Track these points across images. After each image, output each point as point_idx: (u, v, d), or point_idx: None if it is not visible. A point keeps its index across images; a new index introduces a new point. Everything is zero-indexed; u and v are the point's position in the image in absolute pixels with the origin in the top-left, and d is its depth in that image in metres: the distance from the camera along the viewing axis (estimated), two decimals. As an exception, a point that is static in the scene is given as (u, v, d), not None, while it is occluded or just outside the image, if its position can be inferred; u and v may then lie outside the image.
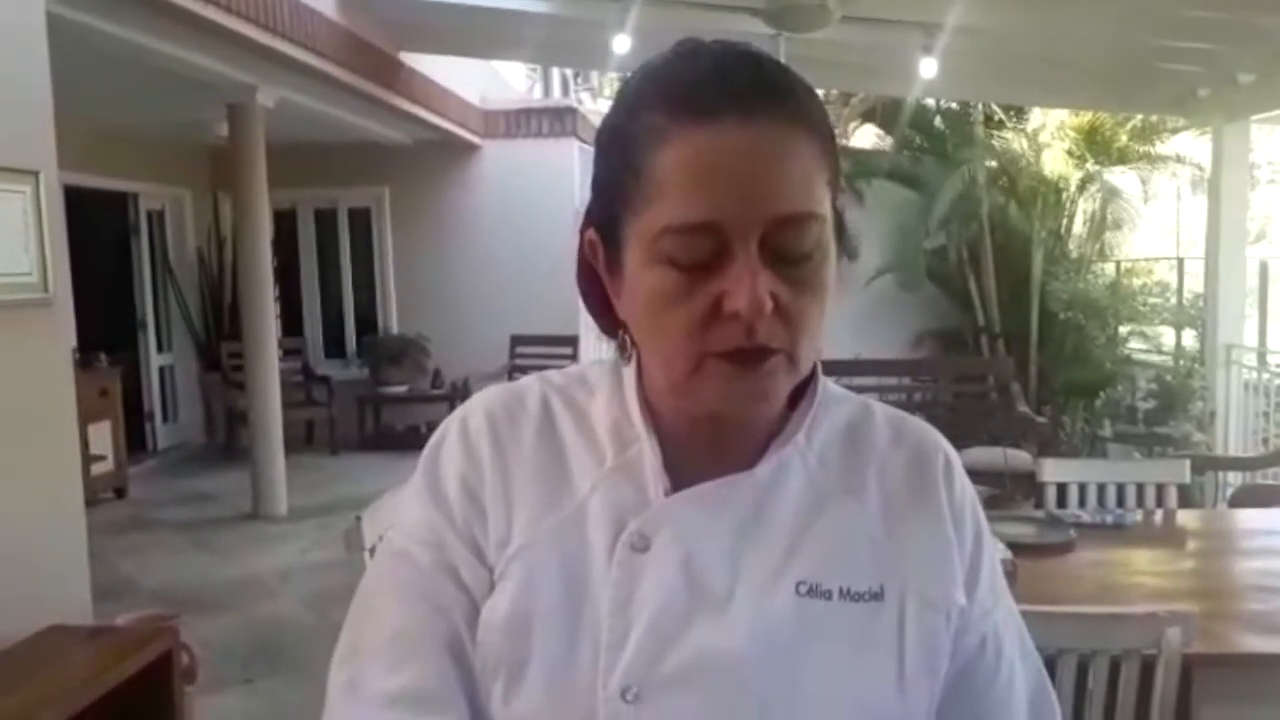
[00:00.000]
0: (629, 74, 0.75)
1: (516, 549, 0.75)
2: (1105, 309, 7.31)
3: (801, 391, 0.77)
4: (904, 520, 0.78)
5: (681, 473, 0.76)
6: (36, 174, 3.13)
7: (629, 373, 0.79)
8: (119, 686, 2.75)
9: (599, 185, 0.75)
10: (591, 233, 0.76)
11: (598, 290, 0.77)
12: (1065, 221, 7.96)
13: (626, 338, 0.77)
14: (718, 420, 0.74)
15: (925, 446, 0.82)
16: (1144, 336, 7.68)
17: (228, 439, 8.00)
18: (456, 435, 0.80)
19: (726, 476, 0.75)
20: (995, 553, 0.83)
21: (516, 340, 8.25)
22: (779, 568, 0.74)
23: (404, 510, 0.80)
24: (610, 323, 0.78)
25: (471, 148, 8.46)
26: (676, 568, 0.73)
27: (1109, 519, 2.71)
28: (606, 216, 0.73)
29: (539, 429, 0.79)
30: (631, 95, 0.72)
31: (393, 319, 8.73)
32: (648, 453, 0.76)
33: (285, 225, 8.42)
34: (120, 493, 6.57)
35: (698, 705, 0.71)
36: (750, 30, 4.12)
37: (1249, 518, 3.07)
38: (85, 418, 5.57)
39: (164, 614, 3.43)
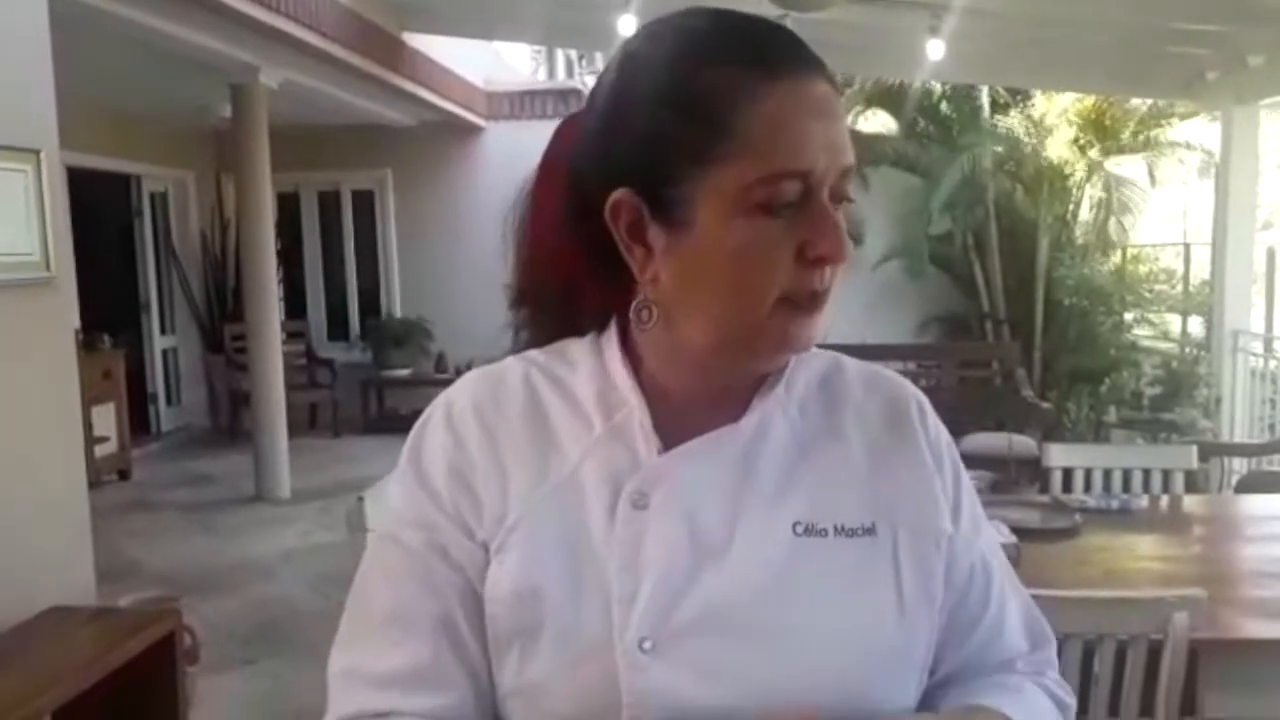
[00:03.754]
0: (657, 37, 0.76)
1: (514, 521, 0.76)
2: (1111, 295, 7.28)
3: None
4: (887, 460, 0.81)
5: (668, 435, 0.78)
6: (38, 153, 3.11)
7: (610, 343, 0.81)
8: (122, 667, 2.76)
9: (641, 146, 0.74)
10: (624, 194, 0.74)
11: (584, 268, 0.79)
12: (1071, 207, 7.92)
13: (650, 303, 0.77)
14: (716, 379, 0.78)
15: (897, 392, 0.86)
16: (1149, 323, 7.64)
17: (231, 421, 8.00)
18: (441, 419, 0.82)
19: (714, 431, 0.78)
20: (973, 487, 0.87)
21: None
22: (774, 511, 0.77)
23: (391, 496, 0.82)
24: (601, 297, 0.80)
25: (475, 129, 8.43)
26: (679, 521, 0.75)
27: (1114, 504, 2.70)
28: (655, 176, 0.73)
29: (524, 404, 0.81)
30: (693, 53, 0.73)
31: (396, 302, 8.72)
32: (637, 415, 0.78)
33: (288, 207, 8.40)
34: (124, 474, 6.58)
35: (712, 649, 0.73)
36: (758, 10, 4.08)
37: (1255, 504, 3.06)
38: (89, 400, 5.59)
39: (166, 595, 3.43)
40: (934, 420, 0.86)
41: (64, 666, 2.68)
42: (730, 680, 0.72)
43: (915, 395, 0.87)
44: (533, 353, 0.85)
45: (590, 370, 0.81)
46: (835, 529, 0.77)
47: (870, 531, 0.77)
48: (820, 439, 0.81)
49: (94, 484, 5.70)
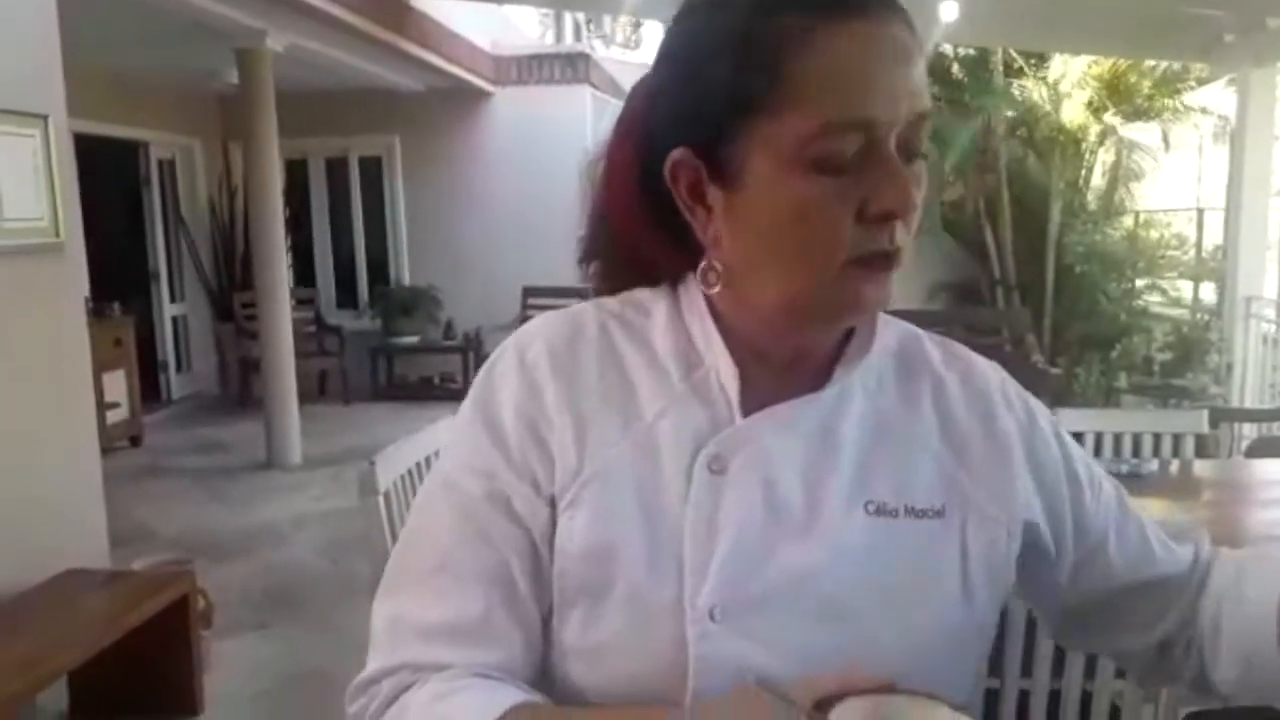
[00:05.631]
0: None
1: (589, 475, 0.74)
2: (1122, 261, 7.24)
3: None
4: (963, 440, 0.79)
5: (744, 398, 0.75)
6: (45, 118, 3.11)
7: (692, 297, 0.78)
8: (136, 630, 2.79)
9: (694, 100, 0.71)
10: (682, 153, 0.72)
11: (652, 228, 0.77)
12: (1084, 173, 7.86)
13: (715, 264, 0.74)
14: (797, 342, 0.76)
15: (977, 370, 0.84)
16: (1161, 290, 7.60)
17: (241, 388, 8.03)
18: (513, 364, 0.77)
19: (797, 398, 0.75)
20: (1077, 446, 0.87)
21: (528, 292, 8.22)
22: (851, 487, 0.75)
23: (453, 441, 0.78)
24: (670, 258, 0.78)
25: (483, 94, 8.38)
26: (757, 489, 0.74)
27: (1124, 468, 2.69)
28: (709, 132, 0.70)
29: (600, 354, 0.78)
30: None
31: (404, 269, 8.71)
32: (718, 375, 0.76)
33: (296, 175, 8.37)
34: (135, 441, 6.62)
35: (783, 622, 0.72)
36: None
37: (1265, 468, 3.05)
38: (100, 367, 5.60)
39: (180, 559, 3.46)
40: (1018, 396, 0.84)
41: (80, 627, 2.71)
42: (797, 654, 0.71)
43: (998, 375, 0.84)
44: (605, 300, 0.82)
45: (666, 322, 0.79)
46: (906, 509, 0.75)
47: (940, 514, 0.76)
48: (896, 414, 0.79)
49: (106, 450, 5.71)
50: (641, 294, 0.81)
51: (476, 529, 0.74)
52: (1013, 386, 0.84)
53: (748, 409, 0.75)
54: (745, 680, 0.69)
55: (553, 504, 0.74)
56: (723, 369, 0.75)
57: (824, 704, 0.63)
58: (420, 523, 0.78)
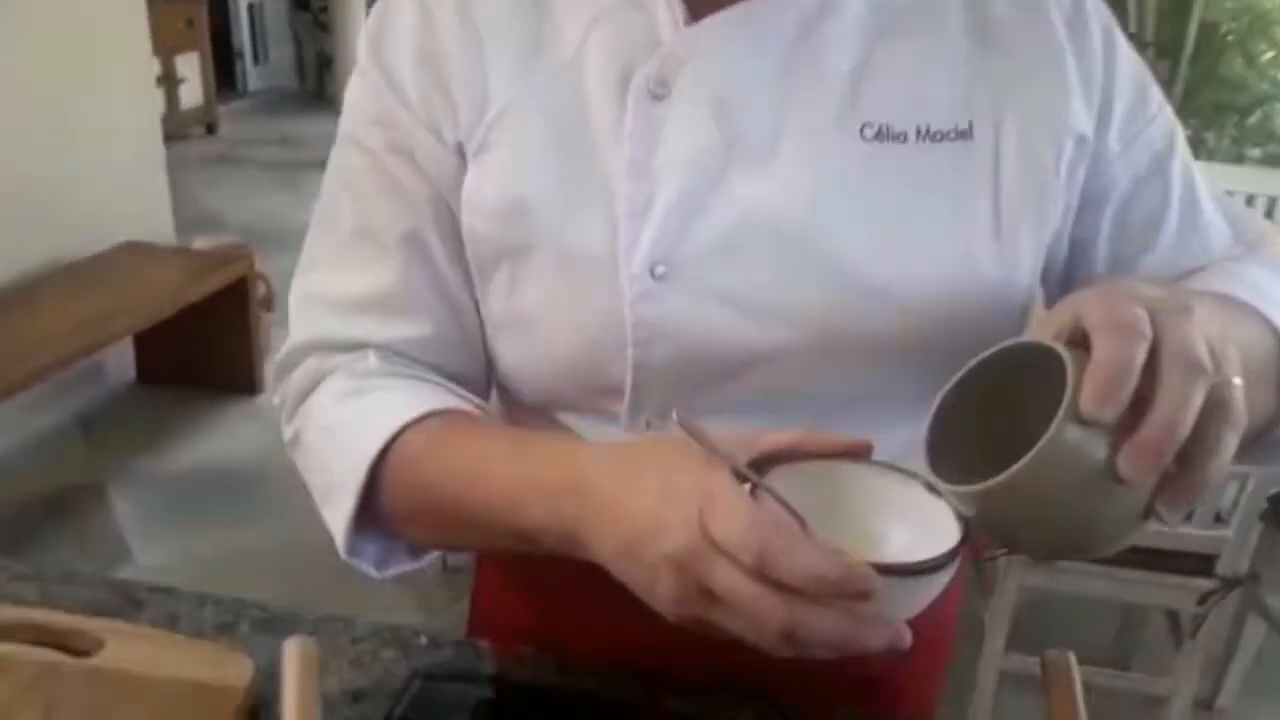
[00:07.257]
0: None
1: (497, 112, 0.61)
2: (1276, 23, 6.51)
3: None
4: (995, 35, 0.61)
5: (701, 3, 0.59)
6: None
7: None
8: (198, 305, 2.79)
9: None
10: None
11: None
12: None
13: None
14: None
15: None
16: (1316, 59, 6.87)
17: (319, 84, 7.84)
18: None
19: None
20: (1137, 60, 0.66)
21: None
22: (839, 108, 0.59)
23: (350, 93, 0.67)
24: None
25: None
26: (706, 114, 0.59)
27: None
28: None
29: None
30: None
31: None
32: None
33: None
34: (211, 129, 6.56)
35: (745, 275, 0.59)
36: None
37: None
38: (170, 48, 5.48)
39: (240, 242, 3.43)
40: None
41: (142, 294, 2.73)
42: (769, 312, 0.59)
43: None
44: None
45: None
46: (918, 132, 0.59)
47: (965, 135, 0.60)
48: (908, 13, 0.61)
49: (179, 137, 5.68)
50: None
51: (383, 187, 0.65)
52: None
53: (703, 15, 0.59)
54: (693, 343, 0.59)
55: (460, 153, 0.63)
56: None
57: (763, 464, 0.47)
58: (329, 188, 0.69)
